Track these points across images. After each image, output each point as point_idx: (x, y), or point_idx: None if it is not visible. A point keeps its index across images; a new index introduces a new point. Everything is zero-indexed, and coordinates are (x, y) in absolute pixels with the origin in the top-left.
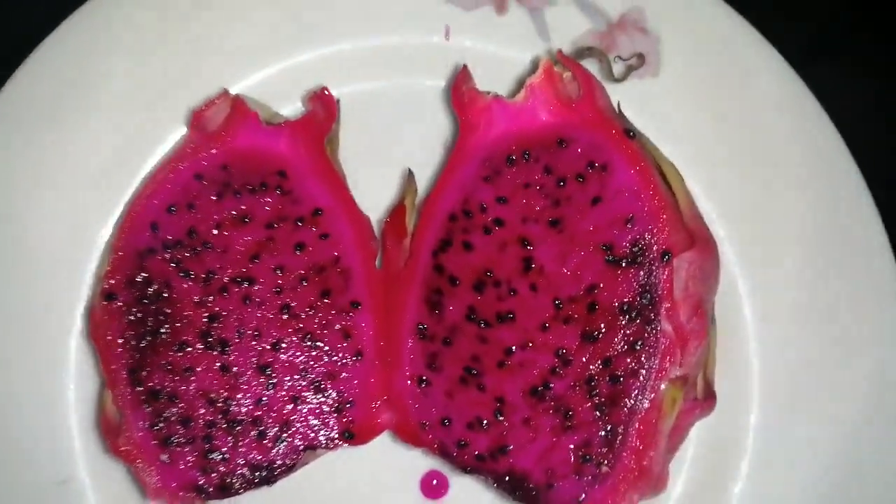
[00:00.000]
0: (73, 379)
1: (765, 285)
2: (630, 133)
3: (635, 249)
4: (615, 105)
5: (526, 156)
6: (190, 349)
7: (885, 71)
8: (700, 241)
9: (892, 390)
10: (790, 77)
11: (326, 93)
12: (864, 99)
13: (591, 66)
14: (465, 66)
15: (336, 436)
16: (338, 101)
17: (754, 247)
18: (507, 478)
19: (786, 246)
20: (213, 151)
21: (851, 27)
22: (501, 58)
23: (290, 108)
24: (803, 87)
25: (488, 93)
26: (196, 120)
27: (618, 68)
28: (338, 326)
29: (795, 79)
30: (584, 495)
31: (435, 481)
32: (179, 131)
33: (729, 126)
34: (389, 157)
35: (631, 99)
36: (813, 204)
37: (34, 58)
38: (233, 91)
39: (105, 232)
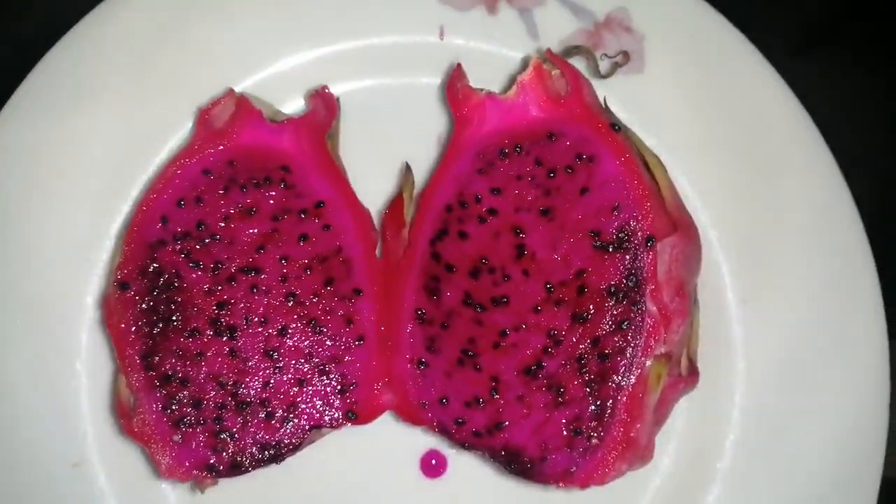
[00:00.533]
0: (85, 365)
1: (746, 269)
2: (616, 127)
3: (621, 235)
4: (602, 100)
5: (518, 149)
6: (200, 335)
7: (868, 64)
8: (682, 226)
9: (873, 365)
10: (767, 72)
11: (327, 91)
12: (846, 93)
13: (578, 63)
14: (459, 65)
15: (340, 416)
16: (338, 98)
17: (736, 233)
18: (502, 452)
19: (766, 232)
20: (220, 148)
21: (835, 23)
22: (493, 56)
23: (293, 105)
24: (780, 81)
25: (481, 90)
26: (203, 118)
27: (604, 65)
28: (340, 313)
29: (773, 73)
30: (575, 467)
31: (434, 461)
32: (187, 129)
33: (710, 119)
34: (388, 151)
35: (617, 95)
36: (791, 191)
37: (49, 58)
38: (238, 90)
39: (116, 225)
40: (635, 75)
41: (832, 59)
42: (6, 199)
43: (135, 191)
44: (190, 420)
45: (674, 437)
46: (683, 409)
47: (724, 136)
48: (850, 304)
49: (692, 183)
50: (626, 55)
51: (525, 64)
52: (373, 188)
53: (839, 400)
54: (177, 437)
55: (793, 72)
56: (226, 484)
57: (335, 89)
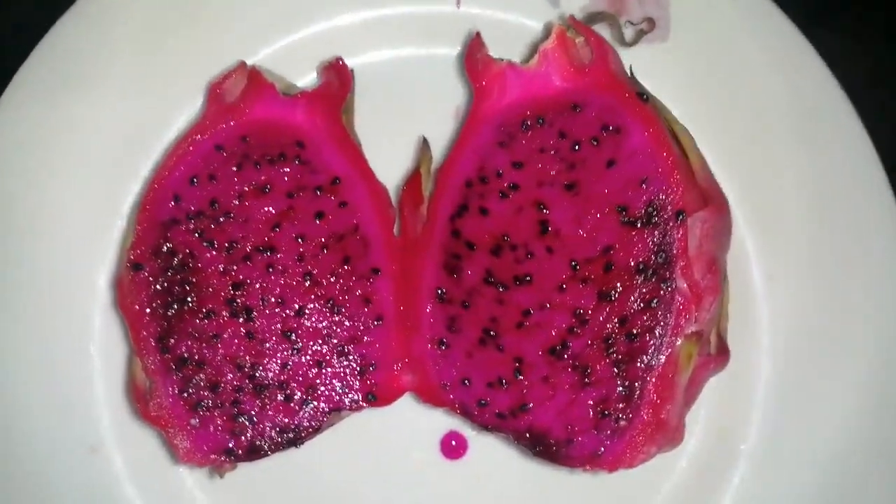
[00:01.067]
0: (99, 349)
1: (772, 245)
2: (643, 96)
3: (650, 210)
4: (627, 69)
5: (540, 121)
6: (216, 316)
7: (890, 33)
8: (713, 200)
9: None
10: (797, 40)
11: (341, 63)
12: (872, 62)
13: (602, 31)
14: (478, 34)
15: (359, 398)
16: (352, 70)
17: (762, 207)
18: (527, 434)
19: (792, 207)
20: (232, 123)
21: None
22: (512, 25)
23: (306, 79)
24: (811, 49)
25: (501, 59)
26: (214, 92)
27: (628, 33)
28: (359, 292)
29: (802, 41)
30: (602, 449)
31: (454, 442)
32: (197, 105)
33: (736, 89)
34: (404, 125)
35: (641, 63)
36: (819, 166)
37: (56, 30)
38: (249, 63)
39: (127, 204)
40: (660, 43)
41: (861, 22)
42: (15, 180)
43: (145, 169)
44: (207, 403)
45: (701, 418)
46: (708, 388)
47: (750, 107)
48: (878, 280)
49: (717, 156)
50: (651, 22)
51: (547, 32)
52: (389, 164)
53: (865, 377)
54: (194, 421)
55: (819, 39)
56: (244, 468)
57: (349, 61)
